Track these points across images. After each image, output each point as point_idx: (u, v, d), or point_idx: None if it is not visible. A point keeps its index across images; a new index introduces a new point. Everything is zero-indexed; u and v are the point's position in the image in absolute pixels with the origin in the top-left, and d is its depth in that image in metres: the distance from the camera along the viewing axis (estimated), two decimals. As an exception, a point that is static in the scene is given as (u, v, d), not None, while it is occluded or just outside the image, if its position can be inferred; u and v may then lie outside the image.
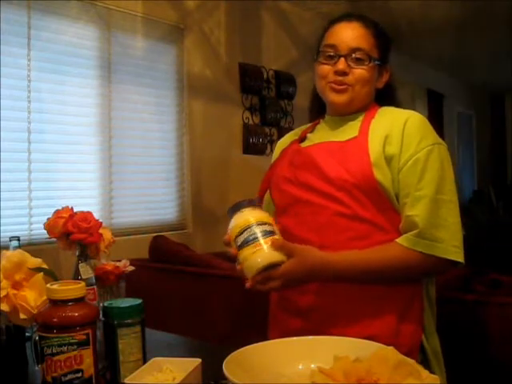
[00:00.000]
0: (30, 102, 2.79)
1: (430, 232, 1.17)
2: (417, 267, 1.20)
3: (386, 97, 1.38)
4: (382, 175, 1.20)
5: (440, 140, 1.25)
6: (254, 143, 4.13)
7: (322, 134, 1.37)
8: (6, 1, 2.65)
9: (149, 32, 3.44)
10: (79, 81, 3.04)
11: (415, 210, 1.19)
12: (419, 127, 1.24)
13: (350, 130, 1.31)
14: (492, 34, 5.52)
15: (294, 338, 1.03)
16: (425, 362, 1.23)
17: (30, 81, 2.78)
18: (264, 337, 1.28)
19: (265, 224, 1.10)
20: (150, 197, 3.49)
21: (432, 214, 1.18)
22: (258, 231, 1.08)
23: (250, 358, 0.92)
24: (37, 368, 1.03)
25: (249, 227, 1.09)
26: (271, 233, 1.10)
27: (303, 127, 1.49)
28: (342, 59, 1.28)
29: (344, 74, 1.28)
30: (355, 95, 1.30)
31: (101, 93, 3.15)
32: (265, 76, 4.28)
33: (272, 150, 1.63)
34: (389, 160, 1.21)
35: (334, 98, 1.31)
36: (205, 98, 3.79)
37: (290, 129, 1.73)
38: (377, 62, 1.31)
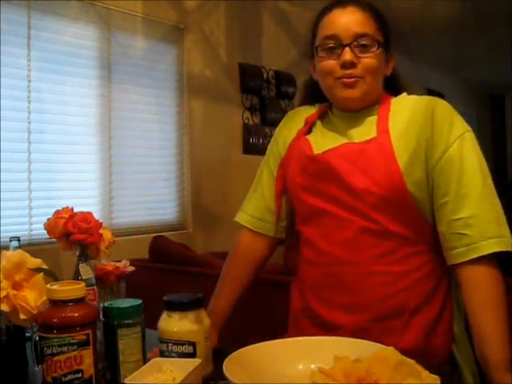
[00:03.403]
0: (30, 102, 2.78)
1: (492, 229, 1.07)
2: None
3: (393, 84, 1.25)
4: (414, 185, 1.09)
5: (468, 127, 1.14)
6: (254, 143, 4.13)
7: (334, 134, 1.21)
8: (6, 1, 2.65)
9: (149, 32, 3.43)
10: (79, 81, 3.04)
11: (465, 212, 1.07)
12: (449, 115, 1.13)
13: (367, 127, 1.17)
14: (492, 34, 5.52)
15: (294, 338, 1.03)
16: (455, 373, 1.16)
17: (30, 81, 2.78)
18: (265, 337, 1.28)
19: (184, 344, 0.98)
20: (150, 197, 3.49)
21: (484, 209, 1.08)
22: (174, 353, 0.99)
23: (250, 358, 0.92)
24: (37, 368, 1.03)
25: (166, 342, 1.00)
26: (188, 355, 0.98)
27: (303, 110, 1.32)
28: (347, 49, 1.13)
29: (352, 65, 1.13)
30: (368, 88, 1.15)
31: (101, 93, 3.15)
32: (265, 76, 4.27)
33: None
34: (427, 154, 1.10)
35: (345, 94, 1.16)
36: (205, 98, 3.79)
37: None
38: (383, 48, 1.16)
